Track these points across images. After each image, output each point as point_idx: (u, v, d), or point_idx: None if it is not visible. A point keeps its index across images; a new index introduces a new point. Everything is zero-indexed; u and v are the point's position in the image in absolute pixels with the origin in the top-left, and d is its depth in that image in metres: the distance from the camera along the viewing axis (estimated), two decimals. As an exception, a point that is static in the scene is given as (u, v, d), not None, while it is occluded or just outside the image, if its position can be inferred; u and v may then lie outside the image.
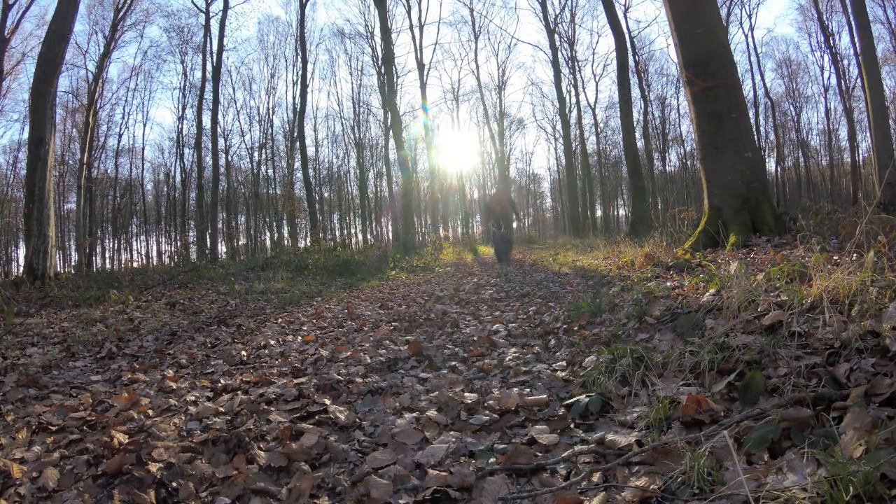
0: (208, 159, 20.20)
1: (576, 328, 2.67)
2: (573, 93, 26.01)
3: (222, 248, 24.10)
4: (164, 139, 39.99)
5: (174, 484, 1.22)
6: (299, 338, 3.26)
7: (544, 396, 1.69)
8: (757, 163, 5.53)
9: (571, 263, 7.29)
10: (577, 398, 1.60)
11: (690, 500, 0.99)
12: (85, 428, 1.58)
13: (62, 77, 10.52)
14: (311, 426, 1.57)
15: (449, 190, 33.83)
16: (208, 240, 19.58)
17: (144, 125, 34.63)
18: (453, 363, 2.35)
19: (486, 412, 1.63)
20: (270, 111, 27.88)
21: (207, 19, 19.85)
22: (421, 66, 22.85)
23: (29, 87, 14.90)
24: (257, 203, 28.76)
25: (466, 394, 1.83)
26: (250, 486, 1.23)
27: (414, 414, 1.65)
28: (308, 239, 18.92)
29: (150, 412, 1.79)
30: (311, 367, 2.38)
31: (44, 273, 7.54)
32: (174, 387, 2.17)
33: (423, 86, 22.76)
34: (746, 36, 28.91)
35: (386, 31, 15.78)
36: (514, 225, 11.65)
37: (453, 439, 1.42)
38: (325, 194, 32.05)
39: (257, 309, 4.85)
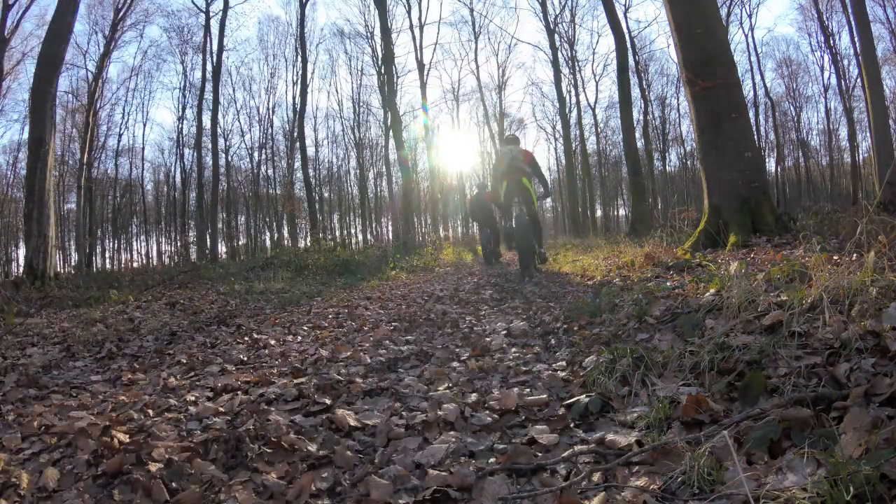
0: (208, 159, 20.21)
1: (576, 328, 2.67)
2: (573, 93, 26.03)
3: (222, 248, 24.15)
4: (164, 139, 39.99)
5: (174, 484, 1.22)
6: (299, 338, 3.26)
7: (544, 396, 1.69)
8: (757, 162, 5.54)
9: (572, 263, 7.29)
10: (577, 398, 1.60)
11: (690, 499, 0.99)
12: (85, 428, 1.58)
13: (62, 77, 10.52)
14: (311, 426, 1.57)
15: (449, 190, 33.85)
16: (208, 240, 19.59)
17: (144, 125, 34.60)
18: (454, 363, 2.35)
19: (487, 412, 1.63)
20: (270, 111, 27.93)
21: (207, 19, 19.87)
22: (421, 66, 22.86)
23: (29, 87, 14.92)
24: (257, 203, 28.79)
25: (466, 394, 1.83)
26: (251, 486, 1.23)
27: (414, 413, 1.65)
28: (308, 239, 18.92)
29: (151, 412, 1.79)
30: (311, 367, 2.38)
31: (44, 273, 7.55)
32: (175, 384, 2.17)
33: (423, 86, 22.78)
34: (746, 36, 28.92)
35: (386, 31, 15.78)
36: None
37: (453, 439, 1.42)
38: (325, 194, 32.08)
39: (257, 309, 4.85)
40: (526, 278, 5.54)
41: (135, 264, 23.27)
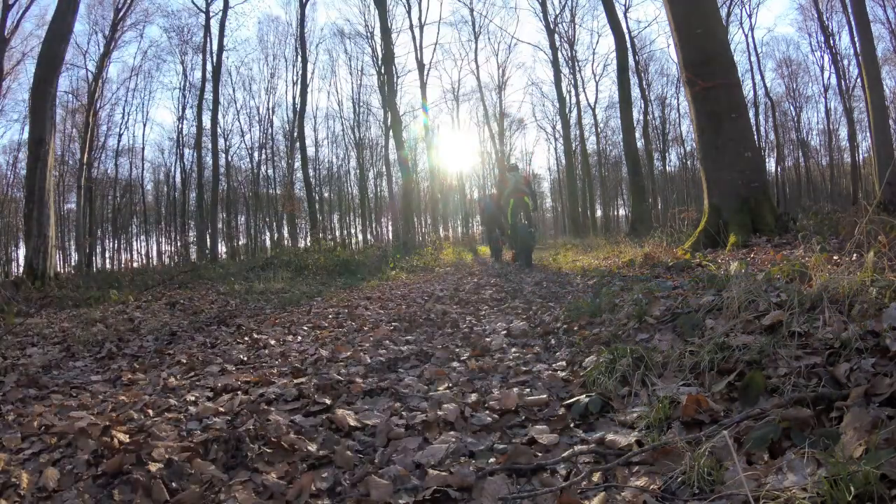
0: (208, 159, 20.20)
1: (576, 328, 2.67)
2: (573, 93, 26.03)
3: (222, 248, 24.14)
4: (164, 139, 39.94)
5: (174, 484, 1.22)
6: (299, 338, 3.26)
7: (544, 396, 1.69)
8: (757, 162, 5.54)
9: (572, 263, 7.28)
10: (577, 398, 1.60)
11: (690, 499, 0.99)
12: (85, 428, 1.58)
13: (62, 77, 10.51)
14: (311, 426, 1.57)
15: (449, 190, 33.85)
16: (208, 240, 19.59)
17: (144, 125, 34.60)
18: (454, 363, 2.35)
19: (487, 412, 1.63)
20: (270, 111, 27.94)
21: (207, 19, 19.87)
22: (421, 66, 22.86)
23: (29, 87, 14.92)
24: (257, 203, 28.79)
25: (466, 394, 1.83)
26: (251, 486, 1.23)
27: (414, 413, 1.65)
28: (308, 239, 18.92)
29: (151, 412, 1.79)
30: (311, 367, 2.38)
31: (44, 273, 7.54)
32: (175, 384, 2.17)
33: (423, 86, 22.77)
34: (746, 36, 28.90)
35: (386, 31, 15.78)
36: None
37: (453, 439, 1.42)
38: (325, 194, 32.08)
39: (257, 309, 4.85)
40: (526, 268, 7.64)
41: (135, 264, 23.27)
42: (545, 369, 2.07)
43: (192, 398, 1.96)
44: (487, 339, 2.80)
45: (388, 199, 30.69)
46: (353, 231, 34.43)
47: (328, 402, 1.79)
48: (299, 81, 21.18)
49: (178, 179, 27.30)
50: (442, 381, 2.05)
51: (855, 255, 2.27)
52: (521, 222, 7.99)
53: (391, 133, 19.33)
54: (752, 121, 19.09)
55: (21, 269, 8.35)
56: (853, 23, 12.52)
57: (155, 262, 27.66)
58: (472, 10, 25.86)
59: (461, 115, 39.12)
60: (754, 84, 25.35)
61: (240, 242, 28.60)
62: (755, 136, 7.56)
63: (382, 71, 21.38)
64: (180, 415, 1.74)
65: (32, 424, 1.67)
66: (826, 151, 30.01)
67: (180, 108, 25.60)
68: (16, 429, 1.66)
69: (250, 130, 27.98)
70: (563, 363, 2.13)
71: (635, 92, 22.23)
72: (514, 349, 2.52)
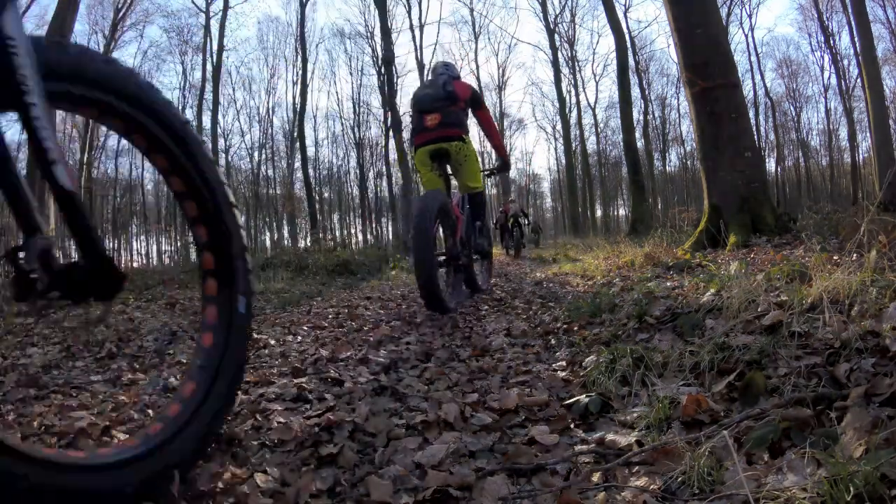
0: (208, 159, 20.19)
1: (576, 328, 2.67)
2: (573, 93, 26.10)
3: (222, 248, 24.10)
4: (164, 139, 39.90)
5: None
6: (299, 337, 3.26)
7: (544, 396, 1.69)
8: (757, 162, 5.55)
9: (572, 263, 7.29)
10: (577, 398, 1.60)
11: (690, 499, 0.99)
12: (85, 428, 1.58)
13: (62, 77, 10.50)
14: (311, 426, 1.57)
15: (449, 190, 33.80)
16: (208, 240, 19.57)
17: (144, 125, 34.58)
18: (454, 363, 2.35)
19: (487, 412, 1.62)
20: (270, 111, 28.05)
21: (207, 19, 19.90)
22: (421, 66, 22.89)
23: (29, 87, 14.88)
24: (257, 203, 28.81)
25: (466, 394, 1.83)
26: (252, 486, 1.23)
27: (414, 413, 1.65)
28: (308, 239, 18.92)
29: (151, 412, 1.79)
30: (312, 367, 2.37)
31: (44, 273, 7.53)
32: (175, 385, 2.16)
33: (423, 86, 22.76)
34: (746, 36, 29.04)
35: (386, 32, 15.78)
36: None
37: (453, 439, 1.42)
38: (325, 194, 32.11)
39: (257, 309, 4.85)
40: (513, 256, 13.08)
41: (135, 264, 23.27)
42: (545, 369, 2.07)
43: (192, 398, 1.96)
44: (487, 340, 2.80)
45: (388, 199, 30.69)
46: (353, 231, 34.46)
47: (330, 401, 1.79)
48: (299, 81, 21.23)
49: (178, 179, 27.28)
50: (442, 380, 2.05)
51: (855, 255, 2.27)
52: (515, 231, 14.03)
53: (391, 133, 19.32)
54: (752, 121, 19.10)
55: (21, 269, 8.33)
56: (853, 23, 12.52)
57: (155, 262, 27.67)
58: (472, 10, 26.00)
59: (461, 115, 39.02)
60: (754, 84, 25.41)
61: (240, 242, 28.57)
62: (755, 137, 7.56)
63: (382, 71, 21.38)
64: (180, 415, 1.74)
65: (32, 424, 1.67)
66: (826, 151, 30.05)
67: (180, 108, 25.64)
68: (16, 429, 1.66)
69: (250, 130, 28.18)
70: (563, 363, 2.13)
71: (635, 92, 22.26)
72: (514, 349, 2.52)
